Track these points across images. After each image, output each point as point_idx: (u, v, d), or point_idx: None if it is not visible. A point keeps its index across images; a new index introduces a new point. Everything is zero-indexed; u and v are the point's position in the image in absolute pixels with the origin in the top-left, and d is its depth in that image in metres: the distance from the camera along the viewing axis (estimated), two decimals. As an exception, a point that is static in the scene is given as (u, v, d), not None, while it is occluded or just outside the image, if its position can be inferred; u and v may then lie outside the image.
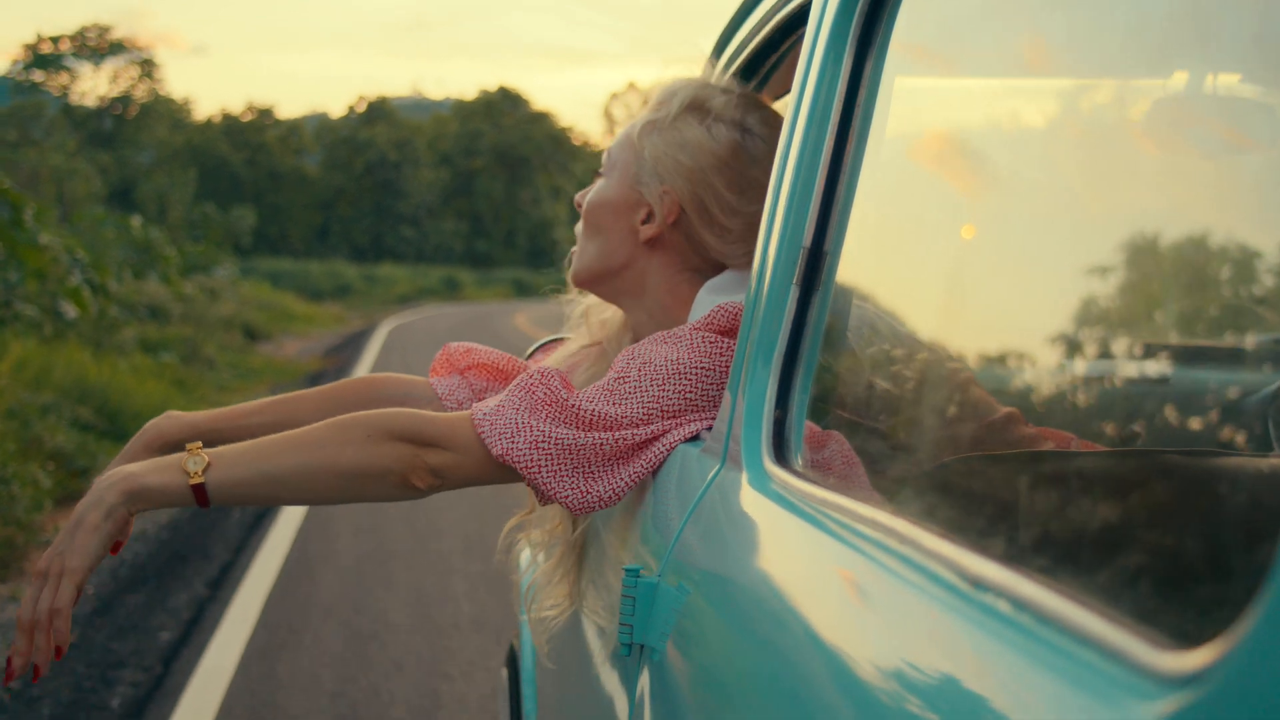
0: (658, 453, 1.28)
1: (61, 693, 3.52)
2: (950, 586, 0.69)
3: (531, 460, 1.26)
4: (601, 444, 1.26)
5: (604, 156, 1.52)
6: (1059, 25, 0.88)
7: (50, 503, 5.68)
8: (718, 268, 1.44)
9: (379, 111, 52.55)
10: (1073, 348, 0.77)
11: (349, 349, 16.19)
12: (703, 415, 1.30)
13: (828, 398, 1.10)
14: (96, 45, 45.96)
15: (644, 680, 1.12)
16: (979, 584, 0.67)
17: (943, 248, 1.00)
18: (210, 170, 47.22)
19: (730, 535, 1.08)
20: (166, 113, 47.92)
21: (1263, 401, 0.82)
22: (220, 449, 1.30)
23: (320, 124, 54.49)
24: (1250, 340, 0.70)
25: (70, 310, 10.30)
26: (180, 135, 48.25)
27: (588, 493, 1.27)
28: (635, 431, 1.27)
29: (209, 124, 50.65)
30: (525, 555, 1.94)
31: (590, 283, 1.50)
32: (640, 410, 1.27)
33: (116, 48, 46.22)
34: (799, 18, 1.38)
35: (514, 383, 1.31)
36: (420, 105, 74.84)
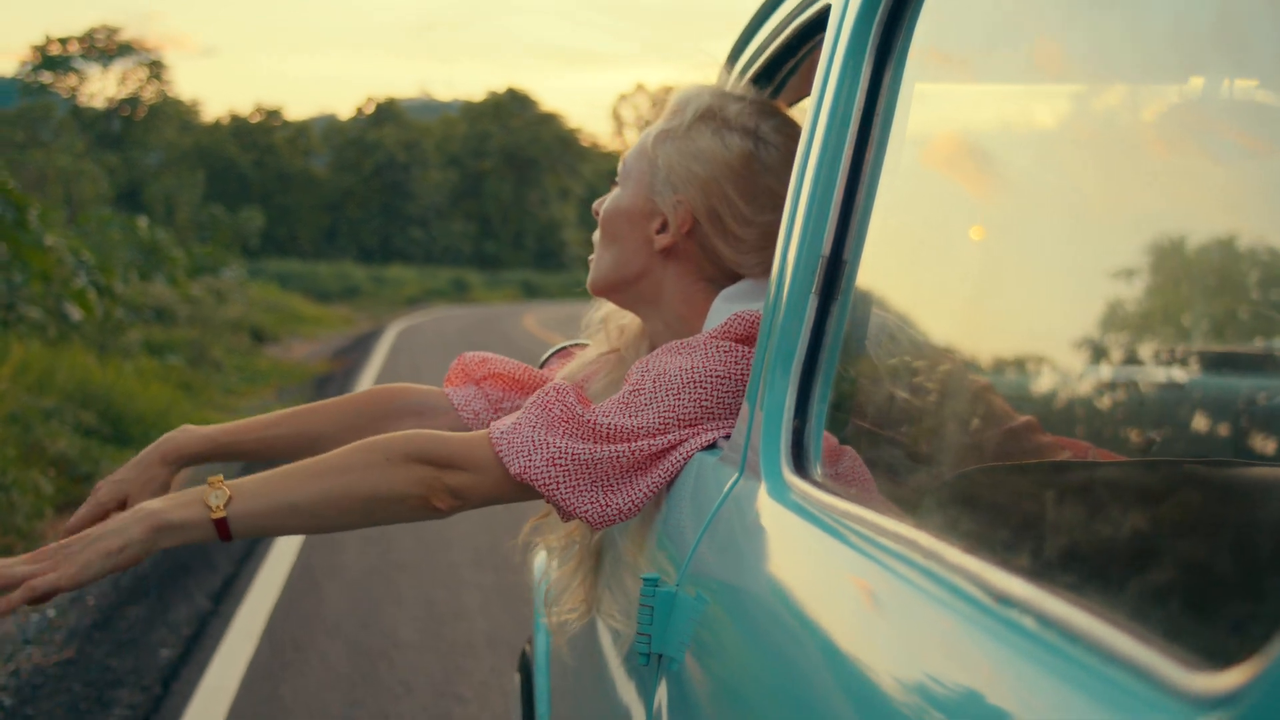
0: (675, 462, 1.27)
1: (56, 713, 3.37)
2: (974, 601, 0.68)
3: (549, 477, 1.26)
4: (618, 456, 1.26)
5: (620, 165, 1.52)
6: (1079, 31, 0.87)
7: (51, 510, 5.54)
8: (733, 277, 1.44)
9: (387, 113, 52.53)
10: (1094, 355, 0.76)
11: (357, 351, 16.08)
12: (719, 423, 1.29)
13: (847, 407, 1.10)
14: (105, 47, 45.97)
15: (662, 690, 1.11)
16: (1003, 599, 0.66)
17: (962, 255, 0.99)
18: (218, 172, 47.22)
19: (748, 545, 1.08)
20: (175, 114, 47.90)
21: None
22: (240, 481, 1.30)
23: (328, 125, 54.50)
24: (1278, 345, 0.69)
25: (75, 312, 10.20)
26: (188, 137, 48.25)
27: (607, 506, 1.27)
28: (651, 442, 1.27)
29: (217, 125, 50.67)
30: (541, 558, 1.94)
31: (607, 291, 1.50)
32: (656, 420, 1.27)
33: (125, 49, 46.22)
34: (816, 24, 1.37)
35: (530, 400, 1.31)
36: (428, 107, 74.89)
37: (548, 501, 1.28)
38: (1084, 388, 0.78)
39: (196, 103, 51.24)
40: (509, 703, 3.33)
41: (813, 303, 1.09)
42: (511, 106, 54.17)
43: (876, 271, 1.08)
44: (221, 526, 1.27)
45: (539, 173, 52.94)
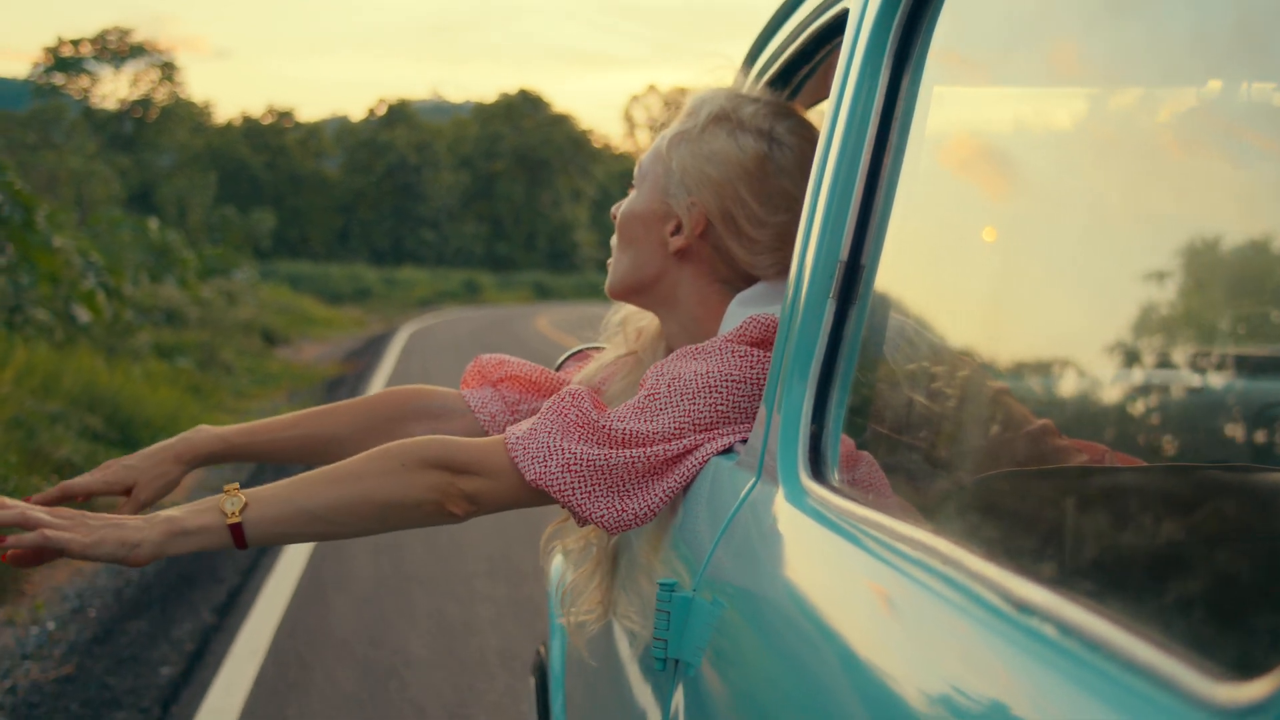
0: (691, 466, 1.27)
1: (53, 735, 3.22)
2: (993, 608, 0.68)
3: (565, 483, 1.26)
4: (634, 461, 1.26)
5: (636, 168, 1.52)
6: (1097, 34, 0.86)
7: (53, 518, 5.38)
8: (747, 279, 1.44)
9: (399, 114, 52.50)
10: (1111, 358, 0.76)
11: (369, 353, 15.98)
12: (736, 427, 1.29)
13: (865, 411, 1.09)
14: (117, 49, 46.01)
15: (679, 696, 1.11)
16: (1023, 606, 0.65)
17: (980, 259, 0.99)
18: (230, 173, 47.24)
19: (765, 550, 1.07)
20: (187, 116, 47.92)
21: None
22: (256, 489, 1.30)
23: (340, 127, 54.50)
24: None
25: (83, 314, 10.11)
26: (200, 138, 48.27)
27: (623, 511, 1.26)
28: (667, 447, 1.27)
29: (229, 127, 50.70)
30: (557, 561, 1.94)
31: (625, 294, 1.50)
32: (672, 425, 1.27)
33: (137, 51, 46.26)
34: (834, 27, 1.36)
35: (545, 405, 1.31)
36: (440, 108, 74.90)
37: (563, 507, 1.28)
38: (1102, 391, 0.77)
39: (209, 104, 51.26)
40: (524, 706, 3.21)
41: (830, 307, 1.09)
42: (523, 108, 54.09)
43: (894, 275, 1.08)
44: (237, 533, 1.27)
45: (551, 174, 52.86)
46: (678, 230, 1.44)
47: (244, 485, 1.30)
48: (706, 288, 1.45)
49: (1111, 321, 0.77)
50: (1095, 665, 0.57)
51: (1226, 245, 0.69)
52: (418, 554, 5.21)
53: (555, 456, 1.26)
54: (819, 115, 1.30)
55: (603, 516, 1.26)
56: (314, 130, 52.08)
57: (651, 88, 59.29)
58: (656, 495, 1.27)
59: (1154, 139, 0.80)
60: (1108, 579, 0.67)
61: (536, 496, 1.29)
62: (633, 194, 1.50)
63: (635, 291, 1.49)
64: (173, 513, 1.28)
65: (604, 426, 1.27)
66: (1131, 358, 0.74)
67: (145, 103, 46.49)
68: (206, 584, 4.75)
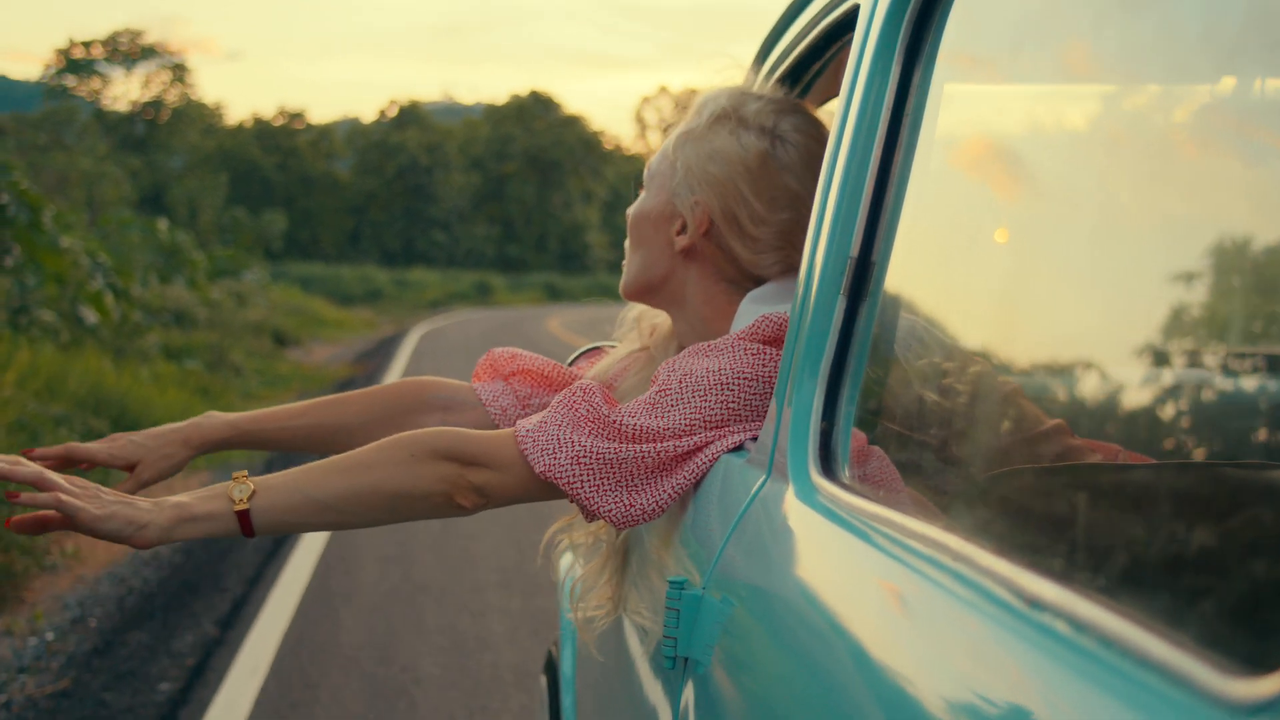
0: (701, 463, 1.27)
1: (45, 758, 3.07)
2: (1005, 605, 0.68)
3: (574, 476, 1.26)
4: (643, 456, 1.26)
5: (645, 168, 1.52)
6: (1108, 31, 0.86)
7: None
8: (753, 279, 1.44)
9: (410, 116, 52.45)
10: (1123, 357, 0.76)
11: (379, 355, 15.87)
12: (746, 425, 1.29)
13: (875, 409, 1.09)
14: (129, 50, 46.02)
15: (688, 693, 1.11)
16: (1035, 603, 0.65)
17: (991, 256, 0.98)
18: (241, 175, 47.26)
19: (775, 548, 1.06)
20: (198, 117, 47.92)
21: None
22: (265, 477, 1.29)
23: (351, 129, 54.49)
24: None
25: (90, 315, 9.99)
26: (212, 140, 48.28)
27: (631, 506, 1.26)
28: (677, 443, 1.26)
29: (240, 129, 50.71)
30: (567, 558, 1.93)
31: (636, 294, 1.51)
32: (682, 422, 1.27)
33: (148, 53, 46.26)
34: (844, 24, 1.36)
35: (556, 399, 1.31)
36: (452, 110, 74.91)
37: (571, 501, 1.28)
38: (1113, 391, 0.77)
39: (220, 106, 51.27)
40: (535, 705, 3.06)
41: (841, 304, 1.08)
42: (534, 109, 54.00)
43: (905, 273, 1.07)
44: (244, 520, 1.26)
45: (562, 175, 52.76)
46: (683, 230, 1.44)
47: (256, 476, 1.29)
48: (713, 287, 1.45)
49: (1123, 320, 0.77)
50: (1107, 661, 0.57)
51: (1239, 244, 0.68)
52: (427, 563, 5.04)
53: (565, 449, 1.26)
54: (830, 113, 1.29)
55: (611, 511, 1.26)
56: (325, 132, 52.08)
57: (663, 89, 59.19)
58: (665, 491, 1.26)
59: (1166, 136, 0.79)
60: (1120, 575, 0.67)
61: (545, 490, 1.28)
62: (642, 195, 1.50)
63: (646, 291, 1.49)
64: (181, 498, 1.27)
65: (614, 421, 1.27)
66: (1144, 356, 0.74)
67: (156, 104, 46.49)
68: (209, 593, 4.60)
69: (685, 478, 1.26)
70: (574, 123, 54.11)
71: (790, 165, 1.41)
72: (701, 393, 1.28)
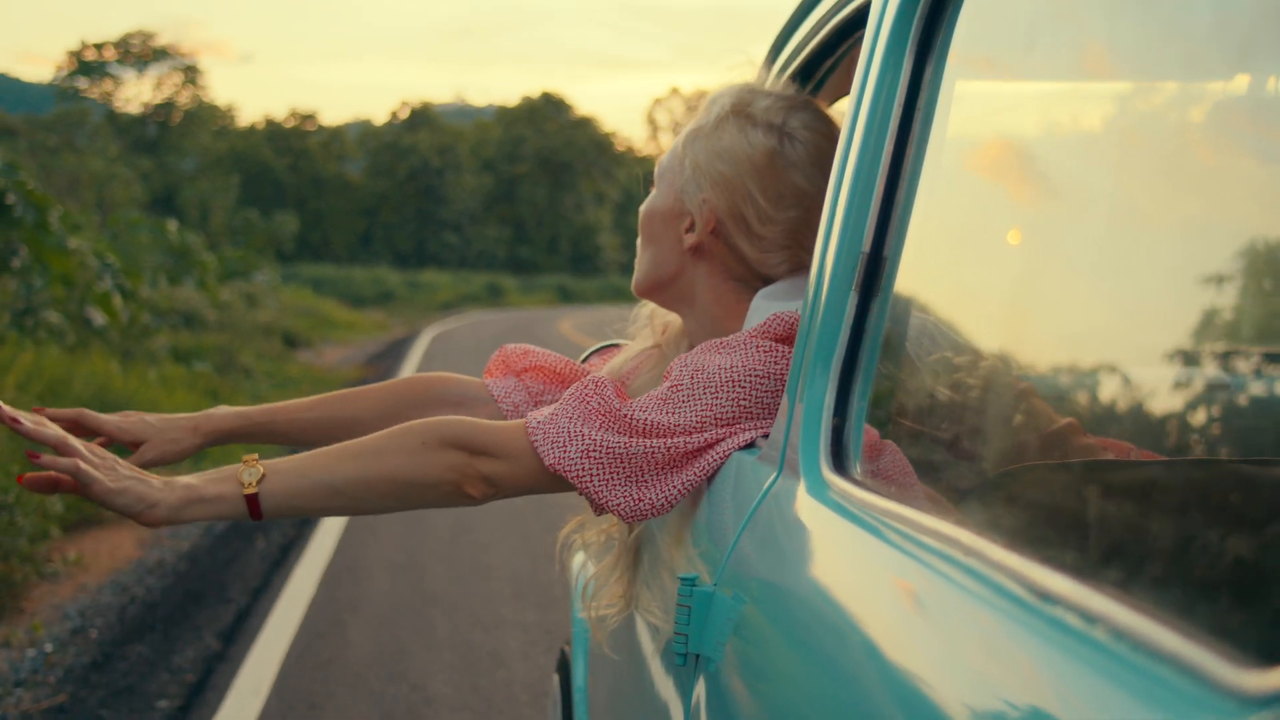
0: (711, 460, 1.27)
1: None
2: (1016, 599, 0.68)
3: (583, 469, 1.26)
4: (653, 451, 1.26)
5: (656, 167, 1.52)
6: (1121, 29, 0.85)
7: (59, 530, 5.09)
8: (761, 278, 1.43)
9: (422, 118, 52.41)
10: (1135, 356, 0.76)
11: (391, 357, 15.76)
12: (758, 423, 1.28)
13: (887, 405, 1.08)
14: (140, 53, 46.06)
15: (700, 690, 1.11)
16: (1046, 596, 0.65)
17: (1003, 253, 0.98)
18: (253, 176, 47.28)
19: (787, 544, 1.06)
20: (210, 119, 47.96)
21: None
22: (275, 461, 1.30)
23: (363, 130, 54.49)
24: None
25: (98, 317, 9.87)
26: (223, 142, 48.32)
27: (639, 500, 1.26)
28: (688, 439, 1.26)
29: (252, 130, 50.74)
30: (579, 557, 1.94)
31: (647, 292, 1.50)
32: (694, 418, 1.27)
33: (160, 55, 46.31)
34: (857, 20, 1.36)
35: (568, 392, 1.31)
36: (463, 112, 74.92)
37: (580, 493, 1.27)
38: (1126, 389, 0.77)
39: (232, 108, 51.33)
40: (548, 704, 2.91)
41: (852, 299, 1.08)
42: (546, 111, 53.92)
43: (917, 268, 1.07)
44: (253, 503, 1.26)
45: (574, 177, 52.67)
46: (692, 228, 1.44)
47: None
48: (721, 285, 1.44)
49: (1135, 317, 0.77)
50: (1119, 653, 0.58)
51: (1252, 243, 0.68)
52: (438, 574, 4.88)
53: (575, 442, 1.26)
54: (843, 110, 1.28)
55: (619, 505, 1.26)
56: (337, 133, 52.10)
57: (674, 90, 59.10)
58: (675, 487, 1.26)
59: (1179, 134, 0.79)
60: (1132, 568, 0.68)
61: (554, 482, 1.28)
62: (653, 192, 1.50)
63: (656, 289, 1.49)
64: (191, 479, 1.27)
65: (626, 415, 1.27)
66: (1157, 355, 0.74)
67: (168, 106, 46.53)
68: (213, 604, 4.44)
69: (695, 474, 1.26)
70: (586, 124, 54.02)
71: (798, 163, 1.40)
72: (713, 389, 1.27)
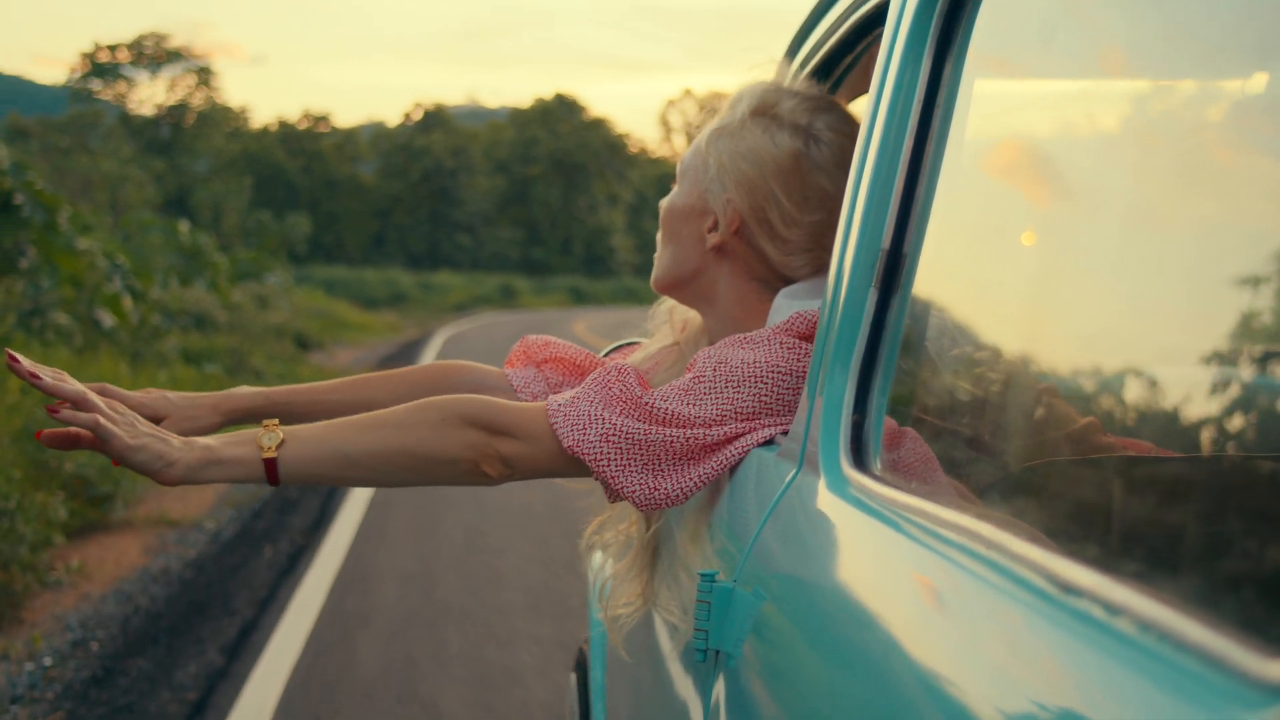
0: (730, 455, 1.27)
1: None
2: (1038, 591, 0.68)
3: (601, 453, 1.25)
4: (672, 441, 1.26)
5: (678, 163, 1.51)
6: (1139, 28, 0.85)
7: (62, 538, 4.95)
8: (784, 279, 1.43)
9: (435, 119, 52.39)
10: (1154, 355, 0.76)
11: (403, 358, 15.68)
12: (778, 419, 1.28)
13: (906, 401, 1.08)
14: (154, 55, 46.13)
15: (720, 687, 1.11)
16: (1069, 588, 0.65)
17: (1022, 250, 0.98)
18: (266, 178, 47.31)
19: (807, 540, 1.07)
20: (223, 121, 48.01)
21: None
22: (295, 427, 1.29)
23: (376, 132, 54.50)
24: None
25: (107, 318, 9.75)
26: (236, 143, 48.36)
27: (655, 489, 1.26)
28: (708, 432, 1.26)
29: (265, 132, 50.78)
30: (598, 557, 1.95)
31: (668, 288, 1.51)
32: (714, 411, 1.27)
33: (174, 57, 46.38)
34: (875, 18, 1.36)
35: (590, 377, 1.31)
36: (476, 113, 74.98)
37: (596, 478, 1.27)
38: (1146, 388, 0.76)
39: (245, 110, 51.43)
40: (565, 703, 2.86)
41: (872, 296, 1.08)
42: (559, 112, 53.84)
43: (936, 265, 1.06)
44: (270, 468, 1.26)
45: (587, 178, 52.58)
46: (715, 227, 1.43)
47: None
48: (744, 285, 1.44)
49: (1154, 316, 0.76)
50: (1144, 645, 0.57)
51: (1273, 242, 0.67)
52: (450, 582, 4.73)
53: (595, 425, 1.26)
54: (863, 108, 1.28)
55: (634, 492, 1.26)
56: (350, 135, 52.12)
57: (687, 92, 59.02)
58: (691, 479, 1.26)
59: (1197, 134, 0.78)
60: (1156, 560, 0.67)
61: (571, 465, 1.28)
62: (675, 189, 1.49)
63: (676, 286, 1.49)
64: (210, 441, 1.27)
65: (647, 403, 1.27)
66: (1177, 353, 0.73)
67: (181, 108, 46.58)
68: (218, 615, 4.30)
69: (712, 468, 1.26)
70: (599, 126, 53.92)
71: (824, 165, 1.40)
72: (735, 384, 1.27)
